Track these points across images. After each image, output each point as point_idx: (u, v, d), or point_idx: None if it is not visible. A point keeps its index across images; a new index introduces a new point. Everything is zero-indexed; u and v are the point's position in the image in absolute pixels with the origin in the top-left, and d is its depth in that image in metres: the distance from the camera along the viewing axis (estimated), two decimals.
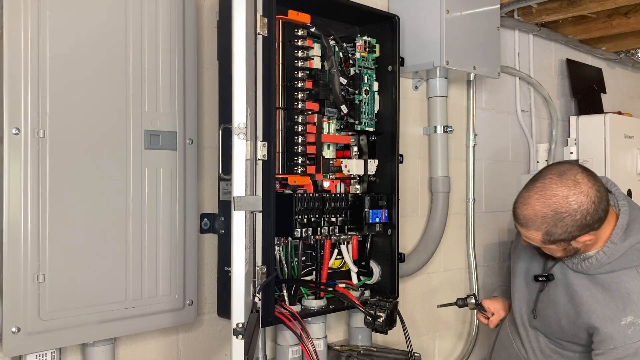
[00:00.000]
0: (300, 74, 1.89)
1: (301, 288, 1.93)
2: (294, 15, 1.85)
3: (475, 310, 2.15)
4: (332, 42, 1.99)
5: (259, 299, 1.65)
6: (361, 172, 2.06)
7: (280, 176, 1.85)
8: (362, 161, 2.06)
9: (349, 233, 2.04)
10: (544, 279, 1.79)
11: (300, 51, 1.89)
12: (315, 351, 1.77)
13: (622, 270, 1.64)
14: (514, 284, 1.93)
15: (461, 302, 2.03)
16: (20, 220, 1.46)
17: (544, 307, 1.80)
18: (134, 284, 1.63)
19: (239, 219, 1.44)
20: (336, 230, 1.97)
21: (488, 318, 2.04)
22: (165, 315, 1.70)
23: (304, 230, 1.86)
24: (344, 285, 2.01)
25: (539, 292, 1.82)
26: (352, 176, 2.09)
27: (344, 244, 2.05)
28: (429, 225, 2.56)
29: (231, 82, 1.46)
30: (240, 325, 1.42)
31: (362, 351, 2.10)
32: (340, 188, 2.08)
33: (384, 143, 2.13)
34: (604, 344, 1.64)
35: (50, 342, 1.51)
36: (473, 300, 2.02)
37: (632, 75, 4.09)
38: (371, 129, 2.10)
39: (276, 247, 1.85)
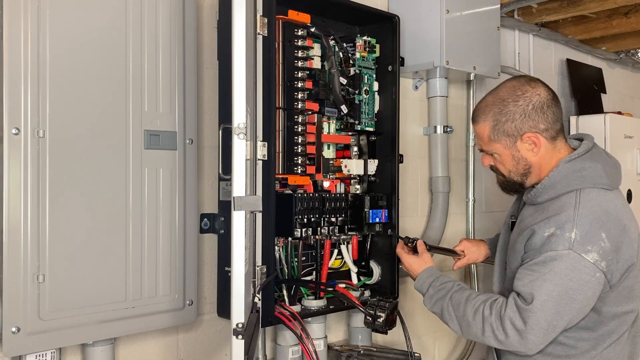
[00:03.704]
0: (300, 74, 1.89)
1: (301, 288, 1.93)
2: (294, 15, 1.85)
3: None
4: (332, 42, 1.99)
5: (259, 299, 1.65)
6: (361, 172, 2.06)
7: (280, 176, 1.85)
8: (362, 161, 2.06)
9: (349, 233, 2.04)
10: (514, 220, 1.76)
11: (300, 51, 1.89)
12: (315, 351, 1.77)
13: (564, 194, 1.59)
14: (500, 235, 1.89)
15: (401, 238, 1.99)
16: (20, 220, 1.46)
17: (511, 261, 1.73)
18: (134, 284, 1.63)
19: (239, 219, 1.44)
20: (336, 230, 1.97)
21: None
22: (165, 315, 1.70)
23: (304, 230, 1.86)
24: (344, 285, 2.01)
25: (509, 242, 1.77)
26: (352, 176, 2.09)
27: (344, 244, 2.05)
28: (429, 225, 2.56)
29: (231, 82, 1.46)
30: (240, 325, 1.42)
31: (362, 351, 2.10)
32: (340, 188, 2.08)
33: (384, 143, 2.13)
34: (526, 255, 1.60)
35: (50, 342, 1.51)
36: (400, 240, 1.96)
37: (632, 75, 4.09)
38: (371, 129, 2.11)
39: (276, 247, 1.85)
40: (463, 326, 1.64)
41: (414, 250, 1.93)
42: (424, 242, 1.93)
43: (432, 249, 1.99)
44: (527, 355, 1.63)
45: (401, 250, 1.93)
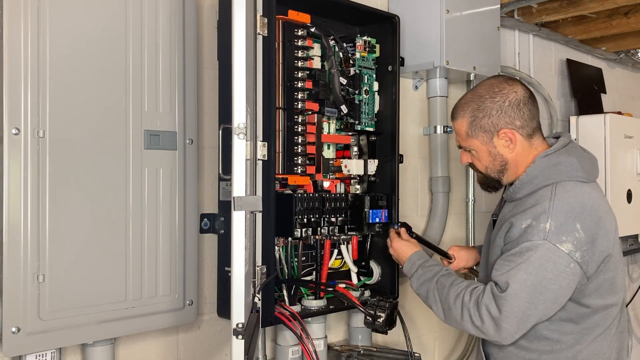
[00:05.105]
0: (300, 74, 1.89)
1: (301, 288, 1.93)
2: (294, 15, 1.85)
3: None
4: (332, 42, 1.99)
5: (259, 299, 1.66)
6: (361, 172, 2.06)
7: (280, 176, 1.85)
8: (362, 161, 2.06)
9: (349, 233, 2.04)
10: (495, 219, 1.79)
11: (300, 51, 1.89)
12: (315, 351, 1.77)
13: (541, 188, 1.62)
14: (485, 234, 1.91)
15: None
16: (20, 220, 1.46)
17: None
18: (134, 284, 1.63)
19: (239, 219, 1.44)
20: (336, 230, 1.97)
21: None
22: (165, 315, 1.70)
23: (304, 230, 1.86)
24: (344, 285, 2.01)
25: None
26: (352, 176, 2.09)
27: (343, 244, 2.05)
28: (429, 225, 2.56)
29: (231, 82, 1.46)
30: (240, 325, 1.42)
31: (362, 351, 2.10)
32: (340, 188, 2.08)
33: (384, 143, 2.13)
34: (505, 247, 1.62)
35: (50, 342, 1.51)
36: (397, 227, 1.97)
37: (632, 75, 4.09)
38: (371, 129, 2.11)
39: (276, 247, 1.85)
40: (445, 309, 1.67)
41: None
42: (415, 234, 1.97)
43: (427, 245, 2.00)
44: (512, 351, 1.65)
45: (393, 235, 1.94)
